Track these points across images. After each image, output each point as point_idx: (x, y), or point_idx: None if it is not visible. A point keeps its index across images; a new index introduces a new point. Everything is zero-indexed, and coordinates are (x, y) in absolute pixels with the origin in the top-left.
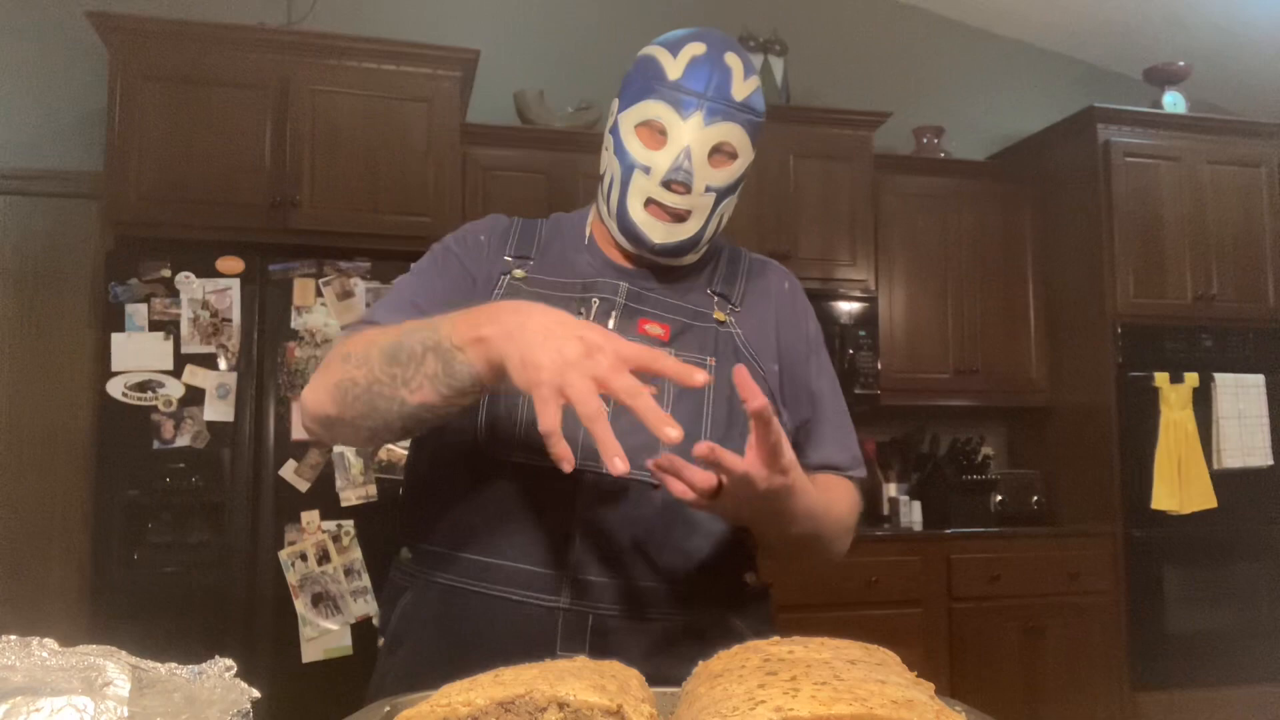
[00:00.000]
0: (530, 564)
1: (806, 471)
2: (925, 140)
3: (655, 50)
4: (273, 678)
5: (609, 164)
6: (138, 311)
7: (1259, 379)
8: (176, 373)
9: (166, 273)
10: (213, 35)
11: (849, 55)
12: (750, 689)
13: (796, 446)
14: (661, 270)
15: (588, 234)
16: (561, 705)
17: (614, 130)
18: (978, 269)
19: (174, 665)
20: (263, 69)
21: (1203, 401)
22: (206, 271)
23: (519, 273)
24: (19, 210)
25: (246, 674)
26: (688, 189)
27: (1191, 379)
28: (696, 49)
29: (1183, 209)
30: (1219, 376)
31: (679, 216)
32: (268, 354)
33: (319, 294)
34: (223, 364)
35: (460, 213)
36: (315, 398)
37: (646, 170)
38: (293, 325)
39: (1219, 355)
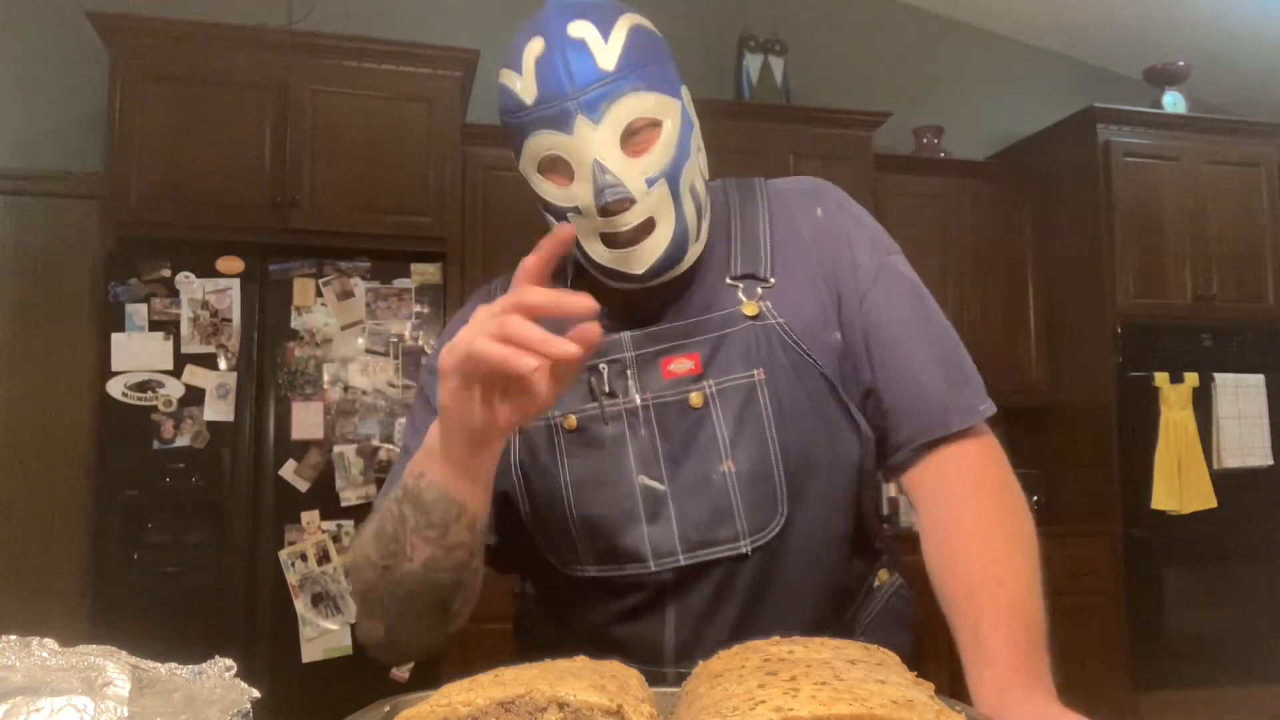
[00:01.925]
0: (632, 665)
1: (914, 453)
2: (925, 140)
3: (505, 76)
4: (273, 678)
5: (546, 220)
6: (138, 311)
7: (1259, 379)
8: (176, 373)
9: (166, 273)
10: (213, 35)
11: (849, 55)
12: (750, 689)
13: (880, 414)
14: (661, 287)
15: (569, 277)
16: (561, 705)
17: (528, 183)
18: (978, 269)
19: (174, 665)
20: (263, 69)
21: (1203, 401)
22: (206, 271)
23: None
24: (19, 210)
25: (246, 674)
26: (629, 200)
27: (1191, 379)
28: (535, 49)
29: (1183, 209)
30: (1219, 376)
31: (642, 232)
32: (268, 354)
33: (319, 294)
34: (223, 364)
35: (460, 213)
36: (364, 632)
37: (578, 210)
38: (293, 325)
39: (1219, 355)
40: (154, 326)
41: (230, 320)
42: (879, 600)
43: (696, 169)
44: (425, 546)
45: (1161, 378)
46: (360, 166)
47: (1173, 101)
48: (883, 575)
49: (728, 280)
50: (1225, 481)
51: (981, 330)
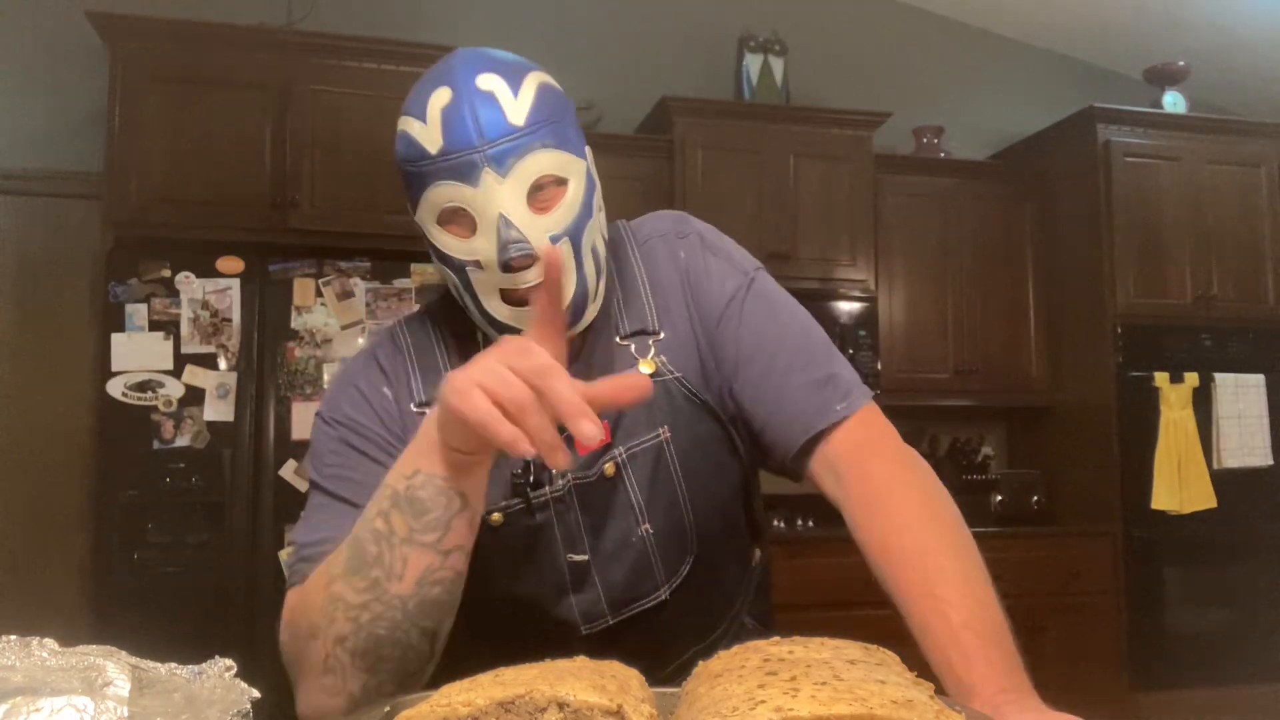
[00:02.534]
0: None
1: (795, 460)
2: (925, 140)
3: (406, 123)
4: (273, 678)
5: (441, 271)
6: (138, 311)
7: (1259, 379)
8: (176, 373)
9: (166, 273)
10: (213, 35)
11: (849, 55)
12: (750, 689)
13: (754, 432)
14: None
15: (480, 339)
16: (561, 705)
17: (424, 233)
18: (978, 269)
19: (174, 665)
20: (263, 69)
21: (1203, 401)
22: (206, 271)
23: None
24: (19, 210)
25: (246, 674)
26: (533, 256)
27: (1191, 379)
28: (442, 98)
29: (1183, 209)
30: (1219, 376)
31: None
32: (268, 354)
33: (319, 294)
34: (223, 364)
35: None
36: (315, 703)
37: (478, 264)
38: (293, 325)
39: (1219, 355)
40: (154, 326)
41: (230, 320)
42: (755, 576)
43: (598, 230)
44: (421, 556)
45: (1161, 378)
46: (360, 166)
47: (1173, 101)
48: (756, 552)
49: (618, 340)
50: (1225, 481)
51: (981, 330)
